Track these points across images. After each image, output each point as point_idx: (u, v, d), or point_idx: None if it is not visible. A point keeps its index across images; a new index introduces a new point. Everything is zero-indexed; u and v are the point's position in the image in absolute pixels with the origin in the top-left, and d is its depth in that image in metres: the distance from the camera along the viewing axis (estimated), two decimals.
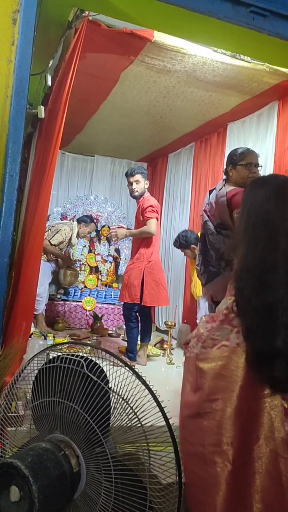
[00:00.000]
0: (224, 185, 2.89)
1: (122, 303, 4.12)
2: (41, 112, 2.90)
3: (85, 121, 5.03)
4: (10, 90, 2.32)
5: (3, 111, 2.30)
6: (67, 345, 3.21)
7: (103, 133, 5.47)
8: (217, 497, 1.38)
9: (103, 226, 6.38)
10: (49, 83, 2.99)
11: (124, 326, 5.45)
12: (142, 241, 4.04)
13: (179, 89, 3.95)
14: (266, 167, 3.80)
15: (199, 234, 4.77)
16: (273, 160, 3.84)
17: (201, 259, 2.92)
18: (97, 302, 5.80)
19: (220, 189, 2.86)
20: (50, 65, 3.12)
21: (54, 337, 4.44)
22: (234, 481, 1.38)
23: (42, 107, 2.93)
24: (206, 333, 1.64)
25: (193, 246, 4.59)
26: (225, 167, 3.00)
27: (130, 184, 4.06)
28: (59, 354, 1.40)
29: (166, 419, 1.20)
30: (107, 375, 1.34)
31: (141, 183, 4.04)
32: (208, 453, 1.42)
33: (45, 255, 5.09)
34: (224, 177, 3.00)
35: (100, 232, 6.38)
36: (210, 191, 3.01)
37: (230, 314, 1.61)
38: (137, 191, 4.03)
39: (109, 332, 5.47)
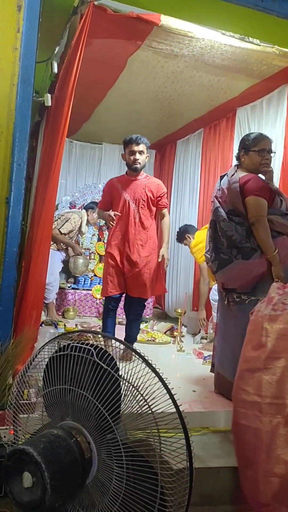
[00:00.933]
0: (236, 171, 2.85)
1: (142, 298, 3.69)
2: (48, 100, 2.88)
3: (92, 109, 4.99)
4: (16, 78, 2.30)
5: (9, 100, 2.29)
6: (77, 333, 3.23)
7: (111, 120, 5.42)
8: (265, 442, 1.58)
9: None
10: (55, 70, 2.96)
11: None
12: (152, 228, 3.63)
13: (187, 74, 3.90)
14: (276, 152, 3.74)
15: (205, 227, 4.83)
16: (283, 145, 3.78)
17: (211, 246, 2.88)
18: None
19: (232, 175, 2.82)
20: (56, 52, 3.09)
21: (65, 325, 4.48)
22: (282, 433, 1.57)
23: (49, 95, 2.91)
24: (277, 297, 1.76)
25: (187, 235, 4.89)
26: (237, 152, 2.95)
27: (133, 153, 3.52)
28: (69, 342, 1.40)
29: (176, 406, 1.20)
30: (117, 363, 1.35)
31: (144, 155, 3.57)
32: (264, 403, 1.61)
33: (55, 244, 5.10)
34: (236, 162, 2.96)
35: None
36: (221, 177, 2.97)
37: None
38: (139, 163, 3.53)
39: (119, 320, 5.48)
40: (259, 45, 3.30)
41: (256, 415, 1.64)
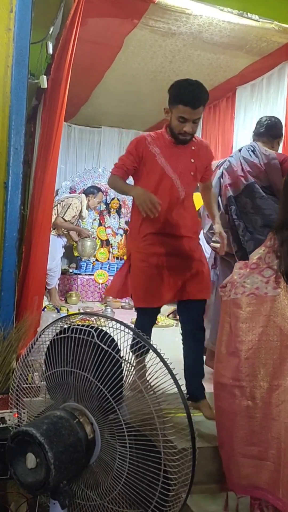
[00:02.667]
0: (261, 146, 2.79)
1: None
2: (44, 82, 2.83)
3: (90, 91, 4.92)
4: (11, 59, 2.25)
5: (4, 82, 2.25)
6: (80, 317, 3.24)
7: (109, 103, 5.35)
8: (235, 425, 1.63)
9: (113, 198, 6.33)
10: (50, 51, 2.91)
11: None
12: (194, 213, 2.62)
13: (185, 53, 3.82)
14: None
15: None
16: (284, 124, 3.72)
17: (242, 225, 2.71)
18: (109, 275, 5.83)
19: (265, 151, 2.75)
20: (50, 32, 3.03)
21: (67, 310, 4.49)
22: (252, 416, 1.61)
23: (45, 77, 2.86)
24: (238, 280, 1.75)
25: None
26: (261, 130, 2.88)
27: (185, 120, 2.29)
28: (70, 324, 1.40)
29: (178, 385, 1.20)
30: (118, 344, 1.34)
31: (198, 123, 2.44)
32: (230, 385, 1.65)
33: (55, 230, 5.09)
34: (254, 138, 2.89)
35: (110, 205, 6.34)
36: (240, 151, 2.85)
37: (261, 265, 1.70)
38: (190, 134, 2.36)
39: (122, 304, 5.50)
40: (258, 21, 3.24)
41: (229, 398, 1.68)
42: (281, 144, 3.66)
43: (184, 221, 2.46)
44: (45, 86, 2.87)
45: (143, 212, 2.22)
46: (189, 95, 2.24)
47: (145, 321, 2.56)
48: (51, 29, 3.01)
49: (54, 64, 3.00)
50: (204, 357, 2.87)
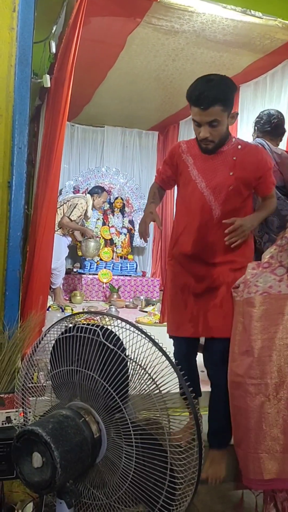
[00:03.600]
0: (270, 144, 2.76)
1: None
2: (47, 81, 2.83)
3: (93, 91, 4.92)
4: (14, 58, 2.26)
5: (7, 81, 2.25)
6: (85, 316, 3.24)
7: (112, 102, 5.35)
8: (252, 422, 1.65)
9: (116, 198, 6.33)
10: (53, 50, 2.91)
11: (142, 297, 5.50)
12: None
13: (188, 51, 3.81)
14: None
15: None
16: None
17: (262, 225, 2.69)
18: (113, 274, 5.83)
19: (276, 149, 2.72)
20: (53, 31, 3.03)
21: (72, 310, 4.49)
22: (267, 411, 1.63)
23: (48, 76, 2.86)
24: (251, 279, 1.77)
25: None
26: (267, 128, 2.84)
27: (197, 124, 2.00)
28: (75, 323, 1.40)
29: (184, 384, 1.20)
30: (124, 343, 1.34)
31: (220, 126, 1.99)
32: (245, 384, 1.68)
33: (60, 229, 5.10)
34: (257, 135, 2.86)
35: (114, 204, 6.34)
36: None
37: (273, 263, 1.73)
38: (211, 141, 2.02)
39: (126, 303, 5.50)
40: (262, 18, 3.22)
41: (244, 396, 1.70)
42: (285, 141, 3.65)
43: (221, 244, 2.04)
44: (48, 85, 2.86)
45: (141, 236, 2.20)
46: (195, 93, 1.91)
47: (177, 349, 2.24)
48: (54, 28, 3.00)
49: (57, 64, 2.99)
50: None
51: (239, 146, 2.12)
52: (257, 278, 1.73)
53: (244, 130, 4.41)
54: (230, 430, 1.94)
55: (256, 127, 2.88)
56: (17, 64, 2.25)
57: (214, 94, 1.91)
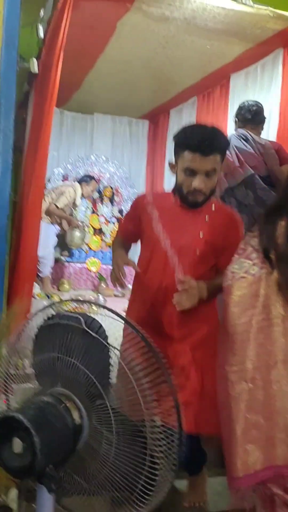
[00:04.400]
0: (253, 134, 2.75)
1: None
2: (34, 65, 2.80)
3: (82, 77, 4.86)
4: (0, 42, 2.22)
5: None
6: (73, 305, 3.24)
7: (102, 89, 5.29)
8: (236, 412, 1.57)
9: (106, 186, 6.30)
10: (41, 34, 2.87)
11: (130, 286, 5.50)
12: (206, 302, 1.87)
13: (178, 39, 3.77)
14: (270, 119, 3.67)
15: None
16: (279, 112, 3.70)
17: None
18: (101, 263, 5.82)
19: (259, 139, 2.71)
20: (41, 15, 2.97)
21: (59, 298, 4.48)
22: (250, 398, 1.56)
23: (35, 60, 2.82)
24: (228, 267, 1.77)
25: None
26: (248, 117, 2.81)
27: (193, 173, 1.80)
28: (58, 311, 1.40)
29: (166, 372, 1.20)
30: (106, 331, 1.34)
31: (215, 176, 1.84)
32: (225, 372, 1.61)
33: (48, 218, 5.06)
34: (239, 125, 2.85)
35: (103, 193, 6.31)
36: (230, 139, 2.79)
37: (247, 249, 1.70)
38: (203, 194, 1.84)
39: (115, 292, 5.51)
40: (253, 7, 3.20)
41: (225, 386, 1.64)
42: (275, 132, 3.66)
43: (181, 316, 1.81)
44: (36, 70, 2.83)
45: (113, 282, 1.98)
46: (197, 138, 1.73)
47: None
48: (42, 12, 2.95)
49: (45, 48, 2.95)
50: None
51: (213, 206, 1.89)
52: (233, 265, 1.72)
53: None
54: (204, 452, 1.94)
55: (237, 119, 2.89)
56: (3, 47, 2.22)
57: (216, 141, 1.77)
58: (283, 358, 1.58)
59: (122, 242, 2.11)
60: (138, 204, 1.99)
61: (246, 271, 1.68)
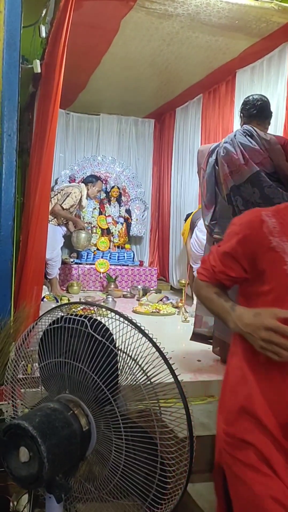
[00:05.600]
0: (259, 130, 2.69)
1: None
2: (37, 66, 2.77)
3: (87, 77, 4.84)
4: (1, 43, 2.20)
5: None
6: (82, 307, 3.21)
7: (107, 89, 5.27)
8: None
9: (113, 187, 6.27)
10: (44, 34, 2.85)
11: (139, 287, 5.47)
12: None
13: (183, 35, 3.73)
14: (277, 114, 3.62)
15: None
16: (285, 106, 3.65)
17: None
18: (110, 264, 5.79)
19: (264, 135, 2.65)
20: (43, 15, 2.95)
21: (68, 300, 4.46)
22: None
23: (38, 61, 2.80)
24: None
25: None
26: (253, 112, 2.77)
27: None
28: (64, 314, 1.36)
29: (174, 374, 1.17)
30: (114, 334, 1.30)
31: None
32: None
33: (55, 219, 5.05)
34: (244, 121, 2.80)
35: (110, 193, 6.28)
36: (235, 136, 2.72)
37: None
38: None
39: (124, 293, 5.48)
40: (257, 1, 3.16)
41: None
42: (282, 127, 3.60)
43: None
44: (38, 70, 2.81)
45: (263, 351, 1.12)
46: None
47: None
48: (44, 12, 2.93)
49: (48, 49, 2.93)
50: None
51: None
52: None
53: None
54: None
55: (242, 114, 2.82)
56: (5, 48, 2.19)
57: None
58: None
59: (219, 292, 1.31)
60: (253, 233, 1.23)
61: None
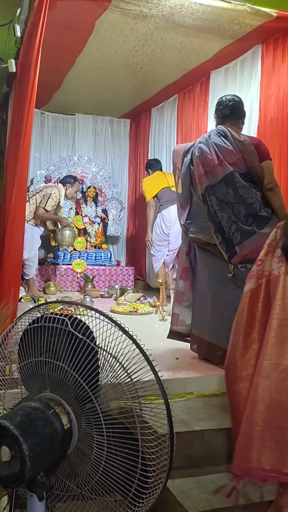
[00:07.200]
0: (232, 131, 2.73)
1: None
2: (12, 65, 2.75)
3: (62, 77, 4.82)
4: None
5: None
6: (60, 306, 3.20)
7: (82, 89, 5.26)
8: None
9: (89, 187, 6.26)
10: (18, 33, 2.83)
11: (116, 287, 5.47)
12: None
13: (157, 36, 3.76)
14: (251, 115, 3.69)
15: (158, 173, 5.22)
16: (258, 107, 3.72)
17: (226, 216, 2.62)
18: (87, 264, 5.78)
19: (238, 136, 2.69)
20: (18, 14, 2.93)
21: (46, 301, 4.43)
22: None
23: (13, 61, 2.78)
24: (256, 268, 1.78)
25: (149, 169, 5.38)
26: (226, 112, 2.81)
27: None
28: (43, 313, 1.37)
29: (155, 371, 1.19)
30: (94, 332, 1.32)
31: None
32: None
33: (33, 220, 5.00)
34: (217, 121, 2.84)
35: (86, 194, 6.27)
36: (209, 136, 2.76)
37: (273, 245, 1.73)
38: None
39: (101, 293, 5.48)
40: (230, 3, 3.20)
41: (240, 385, 1.70)
42: (256, 128, 3.67)
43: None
44: (13, 70, 2.79)
45: None
46: None
47: None
48: (18, 11, 2.91)
49: (23, 48, 2.91)
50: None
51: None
52: (264, 265, 1.75)
53: None
54: None
55: (216, 115, 2.87)
56: None
57: None
58: None
59: None
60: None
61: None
